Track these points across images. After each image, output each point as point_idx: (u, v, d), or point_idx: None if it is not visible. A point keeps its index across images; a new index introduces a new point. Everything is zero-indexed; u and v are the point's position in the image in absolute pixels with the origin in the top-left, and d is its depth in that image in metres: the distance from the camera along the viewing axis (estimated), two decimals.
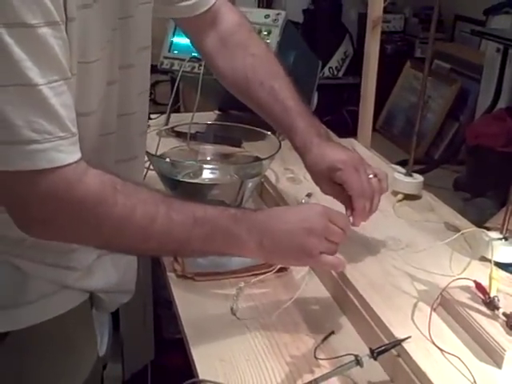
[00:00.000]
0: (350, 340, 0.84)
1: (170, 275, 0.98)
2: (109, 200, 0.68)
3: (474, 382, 0.69)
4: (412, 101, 3.46)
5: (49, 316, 0.79)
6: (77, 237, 0.72)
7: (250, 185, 1.16)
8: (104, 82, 0.76)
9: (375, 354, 0.73)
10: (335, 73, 3.77)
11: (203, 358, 0.79)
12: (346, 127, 3.08)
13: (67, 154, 0.64)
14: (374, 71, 1.44)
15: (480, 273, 0.89)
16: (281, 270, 0.97)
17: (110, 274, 0.86)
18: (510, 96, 2.91)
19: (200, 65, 1.34)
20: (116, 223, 0.69)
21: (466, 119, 3.26)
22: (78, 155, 0.65)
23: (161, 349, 1.78)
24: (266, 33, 1.39)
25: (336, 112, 3.50)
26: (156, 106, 3.14)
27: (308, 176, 1.24)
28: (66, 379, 0.85)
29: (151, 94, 3.20)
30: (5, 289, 0.76)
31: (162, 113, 1.64)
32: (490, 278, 0.81)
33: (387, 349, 0.74)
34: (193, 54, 1.39)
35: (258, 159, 1.19)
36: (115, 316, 1.85)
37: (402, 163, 1.49)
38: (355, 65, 3.55)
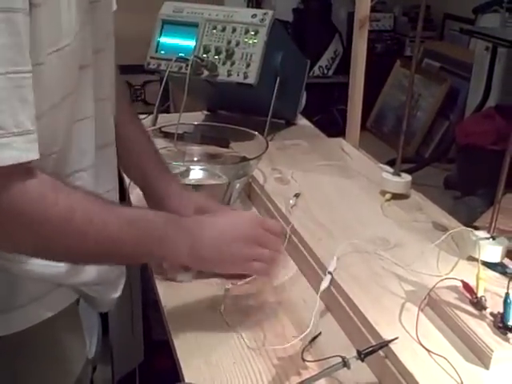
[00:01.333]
0: (337, 341, 0.83)
1: (157, 278, 0.97)
2: (49, 199, 0.65)
3: (461, 382, 0.68)
4: (402, 99, 3.46)
5: (40, 319, 0.79)
6: (12, 240, 0.67)
7: (237, 185, 1.15)
8: (77, 67, 0.74)
9: (362, 355, 0.73)
10: (325, 72, 3.78)
11: (189, 361, 0.78)
12: (336, 126, 3.08)
13: (21, 151, 0.61)
14: (362, 70, 1.44)
15: (468, 272, 0.88)
16: None
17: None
18: (500, 94, 2.92)
19: (187, 65, 1.33)
20: (56, 223, 0.66)
21: (455, 118, 3.27)
22: (33, 154, 0.62)
23: (150, 351, 1.78)
24: (253, 33, 1.38)
25: (326, 111, 3.51)
26: (146, 105, 3.13)
27: (296, 176, 1.24)
28: (57, 382, 0.85)
29: (141, 94, 3.19)
30: None
31: (151, 113, 1.63)
32: (478, 278, 0.80)
33: (374, 350, 0.73)
34: (180, 54, 1.39)
35: (245, 159, 1.18)
36: (104, 319, 1.85)
37: (392, 162, 1.48)
38: (345, 64, 3.55)
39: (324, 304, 0.90)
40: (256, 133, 1.22)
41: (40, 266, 0.77)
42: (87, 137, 0.80)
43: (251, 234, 0.81)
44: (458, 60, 3.30)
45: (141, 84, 3.12)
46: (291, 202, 1.11)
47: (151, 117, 1.58)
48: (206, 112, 1.71)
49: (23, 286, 0.77)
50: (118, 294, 0.93)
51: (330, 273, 0.90)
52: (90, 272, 0.83)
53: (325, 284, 0.89)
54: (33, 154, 0.62)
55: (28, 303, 0.77)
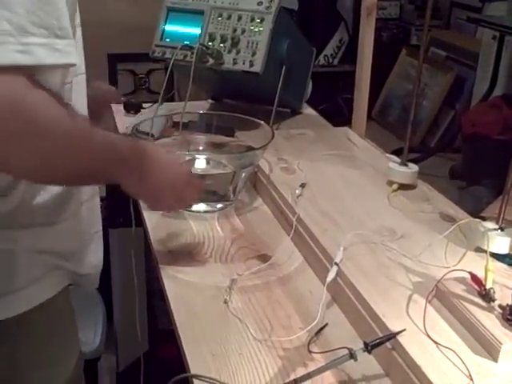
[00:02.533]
0: (343, 333, 0.83)
1: (162, 267, 0.97)
2: (58, 111, 0.64)
3: (470, 375, 0.68)
4: (408, 88, 3.43)
5: (39, 301, 0.80)
6: (17, 150, 0.63)
7: (243, 175, 1.14)
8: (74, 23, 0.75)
9: (369, 347, 0.72)
10: (330, 60, 3.74)
11: (195, 353, 0.78)
12: (341, 115, 3.06)
13: (63, 53, 0.61)
14: (369, 59, 1.42)
15: (476, 264, 0.88)
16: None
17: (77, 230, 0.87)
18: (506, 83, 2.89)
19: (192, 53, 1.32)
20: (64, 134, 0.65)
21: (461, 107, 3.24)
22: (74, 58, 0.62)
23: (155, 340, 1.78)
24: (258, 20, 1.37)
25: (331, 100, 3.48)
26: (151, 94, 3.11)
27: (302, 166, 1.23)
28: (53, 369, 0.86)
29: (145, 82, 3.17)
30: None
31: (156, 101, 1.62)
32: (486, 270, 0.79)
33: (381, 342, 0.73)
34: (185, 42, 1.37)
35: (251, 149, 1.17)
36: (109, 308, 1.85)
37: (398, 152, 1.47)
38: (351, 52, 3.52)
39: (330, 295, 0.89)
40: (262, 122, 1.21)
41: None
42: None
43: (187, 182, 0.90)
44: (465, 49, 3.26)
45: (145, 72, 3.10)
46: (297, 191, 1.10)
47: (156, 105, 1.56)
48: (211, 101, 1.70)
49: (24, 268, 0.77)
50: (100, 264, 0.94)
51: (336, 264, 0.89)
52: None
53: (331, 275, 0.88)
54: (74, 59, 0.63)
55: (28, 285, 0.78)
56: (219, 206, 1.15)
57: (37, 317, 0.80)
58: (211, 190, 1.13)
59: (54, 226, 0.81)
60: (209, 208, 1.14)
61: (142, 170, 0.81)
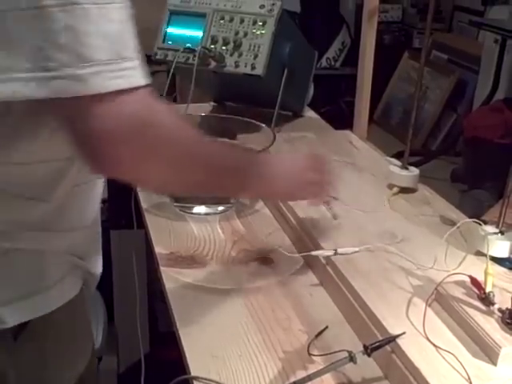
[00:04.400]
0: (343, 335, 0.83)
1: (163, 269, 0.97)
2: (180, 124, 0.69)
3: (469, 378, 0.68)
4: (410, 91, 3.44)
5: (63, 301, 0.80)
6: (146, 164, 0.67)
7: None
8: None
9: (369, 350, 0.72)
10: (332, 63, 3.75)
11: (195, 355, 0.78)
12: (343, 119, 3.06)
13: (141, 74, 0.62)
14: (370, 62, 1.43)
15: (476, 267, 0.88)
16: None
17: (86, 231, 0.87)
18: (508, 87, 2.89)
19: (194, 56, 1.32)
20: (189, 143, 0.70)
21: (463, 110, 3.24)
22: (147, 80, 0.63)
23: (156, 342, 1.78)
24: (261, 23, 1.37)
25: (333, 103, 3.48)
26: None
27: None
28: (75, 367, 0.86)
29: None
30: (26, 276, 0.76)
31: None
32: (486, 274, 0.80)
33: (381, 345, 0.73)
34: (187, 45, 1.38)
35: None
36: (110, 309, 1.85)
37: (399, 155, 1.47)
38: (353, 55, 3.52)
39: (330, 298, 0.90)
40: (263, 125, 1.21)
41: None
42: None
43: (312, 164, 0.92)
44: (467, 52, 3.27)
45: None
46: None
47: None
48: (213, 103, 1.70)
49: (52, 268, 0.78)
50: (99, 271, 0.94)
51: (335, 250, 0.90)
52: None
53: (326, 253, 0.90)
54: (147, 80, 0.64)
55: (54, 285, 0.78)
56: (220, 208, 1.15)
57: (62, 316, 0.80)
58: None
59: (79, 231, 0.82)
60: (210, 210, 1.14)
61: (267, 175, 0.85)
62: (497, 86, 2.91)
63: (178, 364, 0.82)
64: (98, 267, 0.91)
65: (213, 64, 1.38)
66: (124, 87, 0.60)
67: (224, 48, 1.39)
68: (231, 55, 1.38)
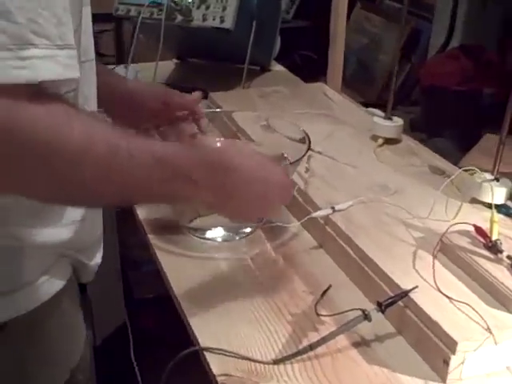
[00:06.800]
0: (349, 295, 0.80)
1: (151, 237, 0.92)
2: (64, 127, 0.55)
3: (488, 328, 0.66)
4: (363, 43, 3.41)
5: (48, 295, 0.73)
6: (24, 177, 0.56)
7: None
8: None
9: (383, 306, 0.70)
10: (284, 16, 3.67)
11: (201, 326, 0.74)
12: (298, 73, 3.01)
13: (64, 67, 0.53)
14: (344, 14, 1.38)
15: (474, 216, 0.87)
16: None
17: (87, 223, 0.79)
18: (464, 34, 2.89)
19: (160, 9, 1.25)
20: (73, 154, 0.56)
21: (418, 59, 3.24)
22: (75, 72, 0.55)
23: (132, 311, 1.74)
24: None
25: (288, 57, 3.42)
26: (100, 57, 2.97)
27: None
28: (65, 362, 0.79)
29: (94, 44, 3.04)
30: (6, 271, 0.69)
31: (107, 64, 1.53)
32: (492, 222, 0.78)
33: (395, 301, 0.71)
34: None
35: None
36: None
37: (366, 106, 1.44)
38: (305, 8, 3.46)
39: (332, 259, 0.87)
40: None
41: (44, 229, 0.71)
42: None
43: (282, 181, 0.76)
44: (420, 0, 3.25)
45: (94, 34, 2.97)
46: (285, 154, 1.06)
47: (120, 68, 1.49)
48: (176, 60, 1.63)
49: (30, 261, 0.70)
50: (101, 255, 0.87)
51: (332, 207, 0.87)
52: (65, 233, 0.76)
53: (323, 212, 0.87)
54: (74, 72, 0.55)
55: (36, 279, 0.71)
56: None
57: (47, 312, 0.73)
58: None
59: (66, 227, 0.74)
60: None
61: (218, 185, 0.69)
62: (452, 34, 2.91)
63: (157, 331, 0.78)
64: (93, 258, 0.83)
65: (179, 18, 1.30)
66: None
67: (190, 1, 1.31)
68: (198, 8, 1.31)
